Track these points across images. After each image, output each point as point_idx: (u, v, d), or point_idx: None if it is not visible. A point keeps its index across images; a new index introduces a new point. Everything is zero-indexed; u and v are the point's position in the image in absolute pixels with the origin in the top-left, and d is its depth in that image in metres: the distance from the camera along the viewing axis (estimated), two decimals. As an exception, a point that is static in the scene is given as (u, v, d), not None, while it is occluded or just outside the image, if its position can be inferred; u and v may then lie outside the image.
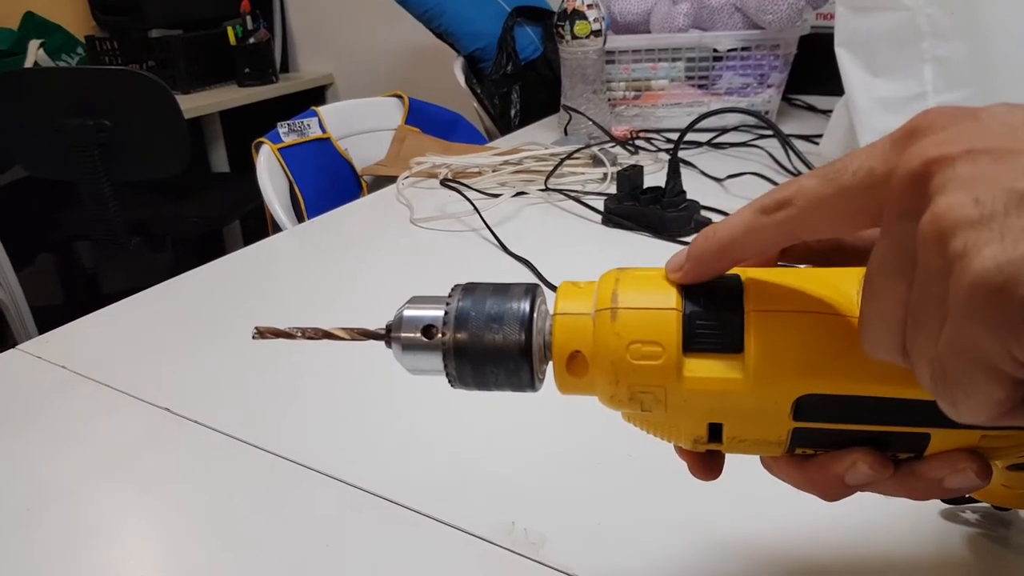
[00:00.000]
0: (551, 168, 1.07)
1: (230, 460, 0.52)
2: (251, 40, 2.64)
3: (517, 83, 1.89)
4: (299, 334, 0.33)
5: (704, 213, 0.90)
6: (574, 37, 1.25)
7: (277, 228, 1.19)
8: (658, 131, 1.32)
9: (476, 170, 1.13)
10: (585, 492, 0.47)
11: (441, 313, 0.30)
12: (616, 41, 1.33)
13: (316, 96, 2.93)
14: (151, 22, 2.56)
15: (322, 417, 0.56)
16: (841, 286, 0.27)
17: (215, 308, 0.77)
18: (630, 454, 0.49)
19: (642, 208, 0.89)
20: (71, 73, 2.24)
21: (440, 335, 0.30)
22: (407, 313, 0.31)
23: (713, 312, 0.27)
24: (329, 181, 1.38)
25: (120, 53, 2.58)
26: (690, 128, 0.91)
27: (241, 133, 2.05)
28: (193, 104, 2.32)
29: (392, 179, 1.17)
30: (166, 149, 1.95)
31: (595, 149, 1.12)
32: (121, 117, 1.88)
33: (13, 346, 0.67)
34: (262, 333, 0.33)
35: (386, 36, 2.74)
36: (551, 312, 0.30)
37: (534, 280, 0.76)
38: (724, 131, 1.24)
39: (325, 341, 0.33)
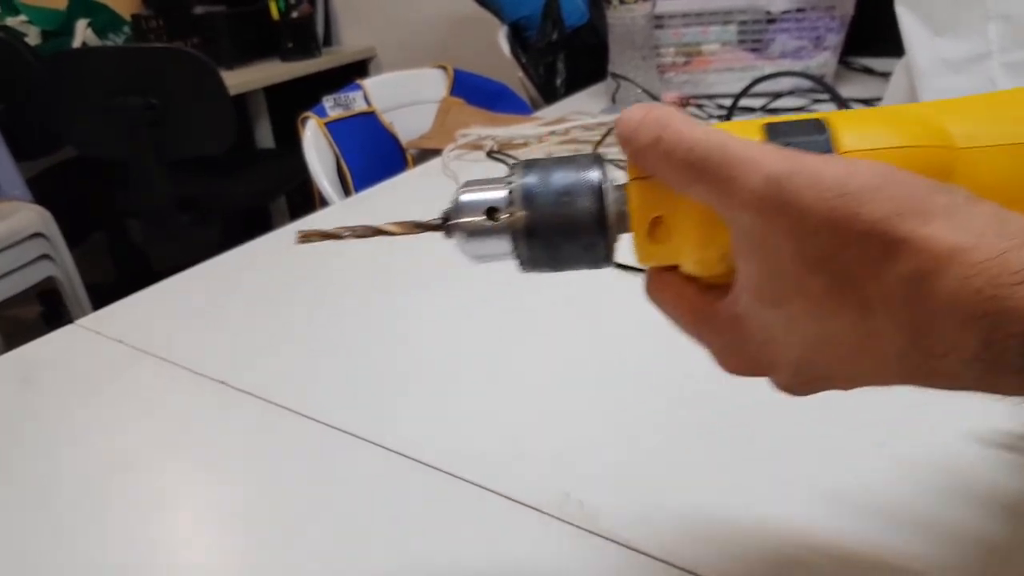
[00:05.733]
0: (599, 137, 1.05)
1: (285, 432, 0.52)
2: (293, 14, 2.64)
3: (563, 51, 1.86)
4: (347, 233, 0.30)
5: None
6: (622, 2, 1.22)
7: (323, 203, 1.19)
8: (710, 97, 1.29)
9: (522, 141, 1.12)
10: (640, 464, 0.46)
11: (504, 193, 0.28)
12: (665, 5, 1.30)
13: (359, 69, 2.93)
14: (195, -1, 2.58)
15: (376, 389, 0.56)
16: (930, 119, 0.26)
17: (266, 283, 0.77)
18: (686, 425, 0.48)
19: (695, 176, 0.87)
20: (118, 52, 2.27)
21: (507, 216, 0.28)
22: (465, 197, 0.29)
23: None
24: (375, 155, 1.38)
25: (165, 31, 2.60)
26: (744, 93, 0.89)
27: (285, 108, 2.05)
28: (237, 80, 2.33)
29: (437, 152, 1.16)
30: (212, 126, 1.97)
31: (644, 117, 1.09)
32: (168, 95, 1.90)
33: (70, 322, 0.68)
34: (307, 236, 0.30)
35: (428, 6, 2.72)
36: (620, 180, 0.28)
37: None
38: (778, 96, 1.20)
39: (377, 243, 0.31)
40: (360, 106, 1.39)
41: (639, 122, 0.26)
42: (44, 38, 2.37)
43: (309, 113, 1.31)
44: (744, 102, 0.95)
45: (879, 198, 0.22)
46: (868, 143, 0.25)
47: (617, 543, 0.40)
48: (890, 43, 0.96)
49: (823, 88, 0.91)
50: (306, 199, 1.32)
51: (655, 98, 1.23)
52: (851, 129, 0.26)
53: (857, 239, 0.22)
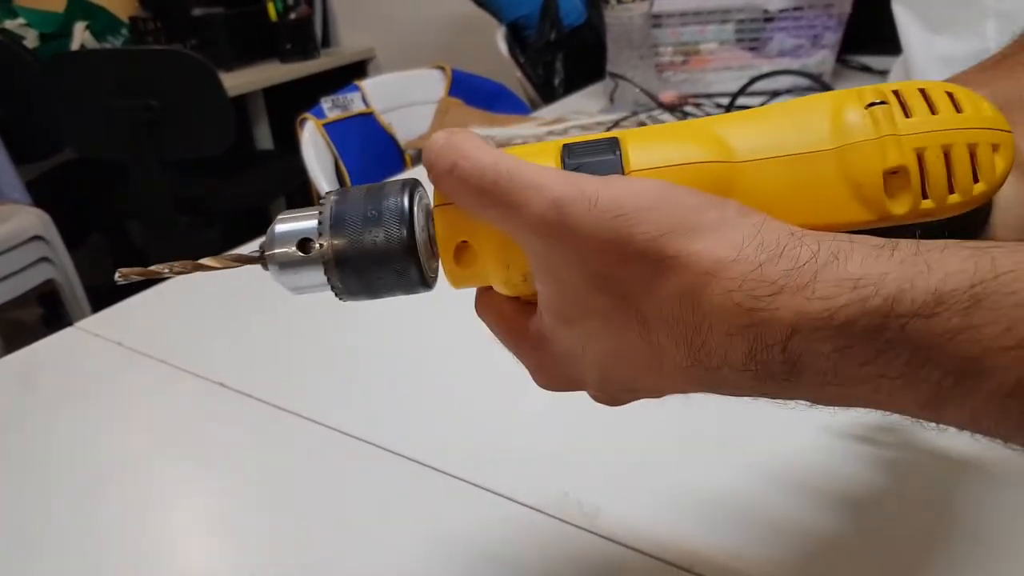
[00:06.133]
0: (598, 137, 1.05)
1: (283, 433, 0.52)
2: (292, 15, 2.64)
3: (561, 51, 1.86)
4: (167, 270, 0.30)
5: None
6: (619, 1, 1.22)
7: (323, 203, 1.19)
8: (708, 96, 1.29)
9: (521, 141, 1.12)
10: (639, 464, 0.46)
11: (315, 223, 0.28)
12: (663, 4, 1.30)
13: (358, 70, 2.92)
14: (193, 1, 2.57)
15: (374, 390, 0.56)
16: (715, 133, 0.27)
17: (265, 285, 0.77)
18: (685, 426, 0.48)
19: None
20: (117, 54, 2.27)
21: (318, 246, 0.28)
22: (279, 228, 0.29)
23: None
24: (373, 156, 1.38)
25: (163, 33, 2.60)
26: (742, 92, 0.89)
27: (284, 109, 2.05)
28: (236, 82, 2.33)
29: (436, 152, 1.16)
30: (211, 127, 1.96)
31: (643, 116, 1.09)
32: (167, 96, 1.89)
33: (69, 324, 0.68)
34: (125, 275, 0.31)
35: (427, 7, 2.71)
36: (432, 204, 0.28)
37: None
38: (776, 95, 1.20)
39: (203, 274, 0.31)
40: (358, 107, 1.39)
41: (438, 149, 0.26)
42: (42, 41, 2.36)
43: (307, 114, 1.31)
44: (742, 100, 0.95)
45: (652, 218, 0.23)
46: (654, 161, 0.26)
47: (617, 543, 0.40)
48: (888, 41, 0.97)
49: (821, 86, 0.91)
50: (305, 200, 1.32)
51: (653, 97, 1.23)
52: (640, 147, 0.26)
53: (632, 258, 0.23)
